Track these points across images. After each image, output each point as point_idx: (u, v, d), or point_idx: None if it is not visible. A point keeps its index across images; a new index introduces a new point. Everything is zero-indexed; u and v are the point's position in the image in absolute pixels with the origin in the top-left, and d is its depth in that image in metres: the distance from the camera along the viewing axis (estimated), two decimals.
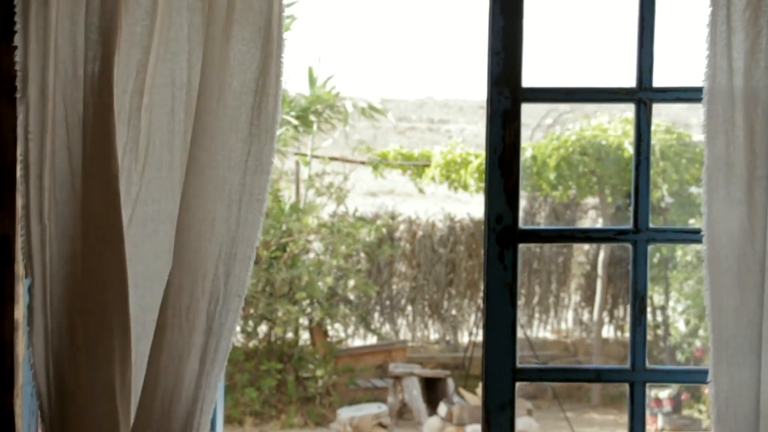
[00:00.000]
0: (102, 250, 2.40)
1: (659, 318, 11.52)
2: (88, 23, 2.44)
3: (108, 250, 2.39)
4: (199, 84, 2.43)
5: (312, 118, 11.06)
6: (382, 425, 9.59)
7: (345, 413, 9.62)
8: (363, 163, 12.89)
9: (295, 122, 10.87)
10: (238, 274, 2.42)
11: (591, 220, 12.95)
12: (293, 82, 11.32)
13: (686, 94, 2.65)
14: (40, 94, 2.42)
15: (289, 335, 10.75)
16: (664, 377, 2.79)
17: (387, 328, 12.76)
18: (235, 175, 2.42)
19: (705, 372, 2.55)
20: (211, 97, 2.41)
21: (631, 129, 10.99)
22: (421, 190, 12.95)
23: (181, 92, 2.48)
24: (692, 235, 2.65)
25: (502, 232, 2.65)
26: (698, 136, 10.50)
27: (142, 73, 2.45)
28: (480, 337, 10.86)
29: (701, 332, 10.59)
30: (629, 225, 2.70)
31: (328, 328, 11.15)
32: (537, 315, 13.06)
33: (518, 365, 2.67)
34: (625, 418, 6.03)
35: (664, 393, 10.11)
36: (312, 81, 11.50)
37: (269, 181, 2.45)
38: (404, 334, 12.80)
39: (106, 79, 2.41)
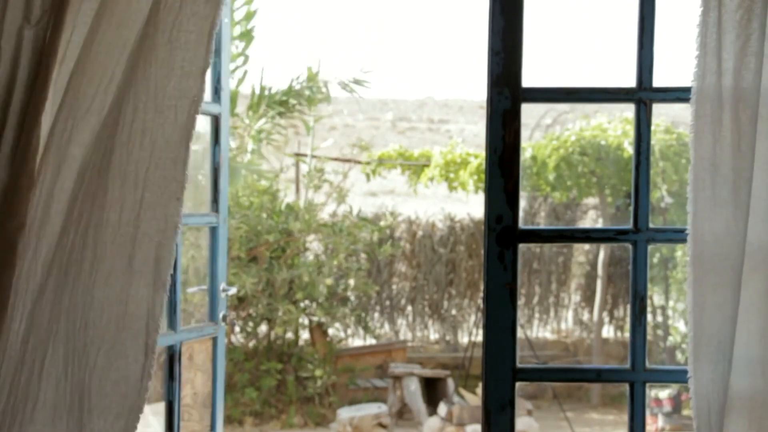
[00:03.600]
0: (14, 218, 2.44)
1: (659, 318, 11.51)
2: None
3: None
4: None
5: (292, 101, 10.91)
6: (382, 425, 9.58)
7: (345, 413, 9.62)
8: (362, 162, 12.87)
9: (279, 109, 10.75)
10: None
11: (591, 220, 12.94)
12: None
13: (686, 94, 2.64)
14: None
15: (289, 335, 10.73)
16: (664, 377, 2.79)
17: (387, 328, 12.75)
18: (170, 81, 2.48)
19: None
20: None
21: (631, 129, 10.98)
22: (417, 191, 12.92)
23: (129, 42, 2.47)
24: None
25: (502, 232, 2.65)
26: None
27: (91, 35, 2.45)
28: (480, 337, 10.85)
29: None
30: (629, 225, 2.70)
31: (328, 328, 11.13)
32: (537, 315, 13.04)
33: (518, 365, 2.68)
34: (625, 418, 6.03)
35: (664, 393, 10.10)
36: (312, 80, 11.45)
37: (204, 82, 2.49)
38: (404, 334, 12.79)
39: (54, 37, 2.42)
